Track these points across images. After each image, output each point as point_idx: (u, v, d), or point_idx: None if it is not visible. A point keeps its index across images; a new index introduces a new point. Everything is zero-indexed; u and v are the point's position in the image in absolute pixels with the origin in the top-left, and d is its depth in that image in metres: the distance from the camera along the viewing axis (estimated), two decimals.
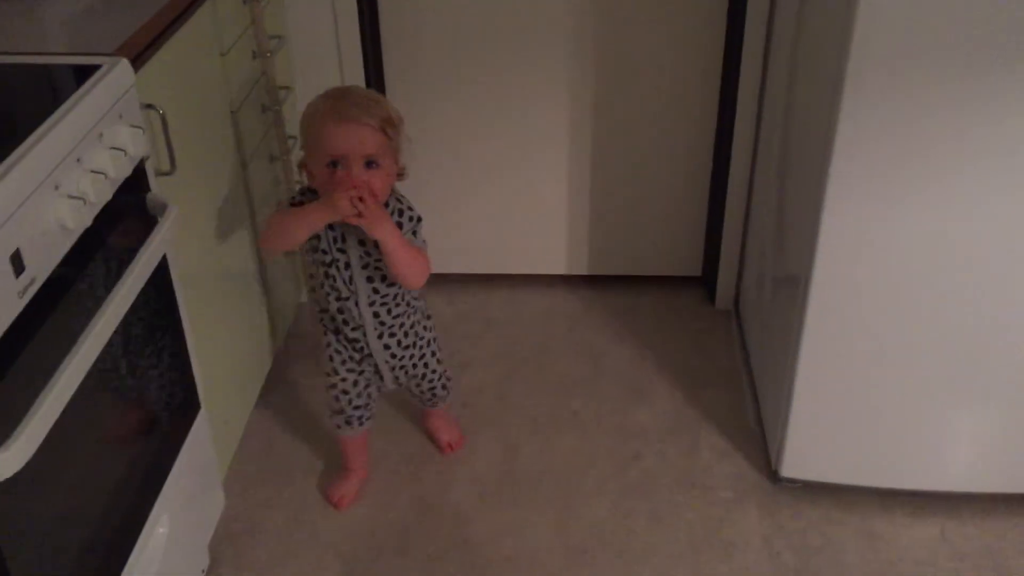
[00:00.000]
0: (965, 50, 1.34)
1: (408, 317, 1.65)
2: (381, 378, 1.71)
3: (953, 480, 1.72)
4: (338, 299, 1.60)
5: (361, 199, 1.44)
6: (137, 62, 1.30)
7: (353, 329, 1.63)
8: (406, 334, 1.66)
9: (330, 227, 1.54)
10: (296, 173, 1.79)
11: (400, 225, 1.53)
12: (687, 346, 2.17)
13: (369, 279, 1.58)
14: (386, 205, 1.53)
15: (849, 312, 1.57)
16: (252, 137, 1.82)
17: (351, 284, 1.58)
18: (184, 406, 1.48)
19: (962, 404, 1.63)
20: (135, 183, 1.28)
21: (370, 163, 1.47)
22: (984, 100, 1.37)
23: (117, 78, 1.23)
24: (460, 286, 2.34)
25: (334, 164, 1.47)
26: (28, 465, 0.95)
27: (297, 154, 1.66)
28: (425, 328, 1.71)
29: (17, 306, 1.00)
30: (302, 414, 1.97)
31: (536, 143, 2.18)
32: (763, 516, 1.75)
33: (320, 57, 2.03)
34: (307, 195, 1.56)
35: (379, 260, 1.55)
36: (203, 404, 1.53)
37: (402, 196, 1.58)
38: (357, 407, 1.73)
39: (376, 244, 1.51)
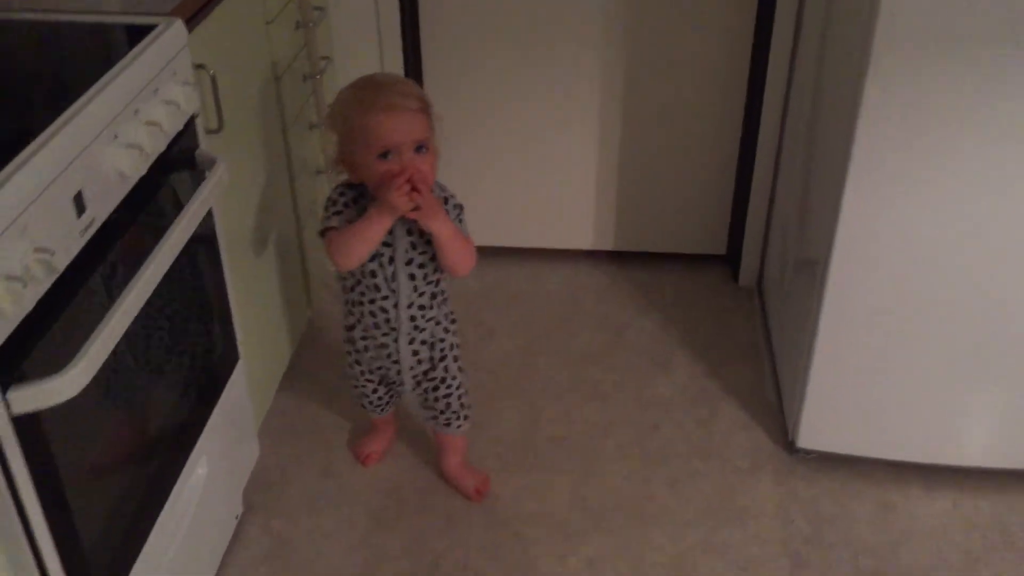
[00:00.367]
0: (988, 35, 1.35)
1: (438, 323, 1.63)
2: (401, 383, 1.70)
3: (967, 455, 1.75)
4: (372, 301, 1.57)
5: (415, 190, 1.42)
6: (190, 23, 1.36)
7: (384, 335, 1.60)
8: (432, 333, 1.64)
9: None
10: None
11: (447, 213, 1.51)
12: (710, 322, 2.20)
13: (411, 276, 1.55)
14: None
15: (867, 292, 1.61)
16: (293, 104, 1.88)
17: (393, 281, 1.54)
18: (224, 355, 1.55)
19: (976, 381, 1.66)
20: (185, 140, 1.34)
21: (419, 148, 1.46)
22: (1008, 85, 1.39)
23: (172, 37, 1.29)
24: (487, 259, 2.36)
25: (384, 155, 1.45)
26: (86, 391, 1.01)
27: None
28: (446, 331, 1.66)
29: (79, 243, 1.07)
30: (333, 376, 2.02)
31: (567, 120, 2.22)
32: (778, 485, 1.78)
33: (360, 28, 2.09)
34: (346, 193, 1.54)
35: (423, 253, 1.53)
36: (241, 356, 1.60)
37: (443, 185, 1.56)
38: (378, 405, 1.77)
39: (421, 233, 1.50)
